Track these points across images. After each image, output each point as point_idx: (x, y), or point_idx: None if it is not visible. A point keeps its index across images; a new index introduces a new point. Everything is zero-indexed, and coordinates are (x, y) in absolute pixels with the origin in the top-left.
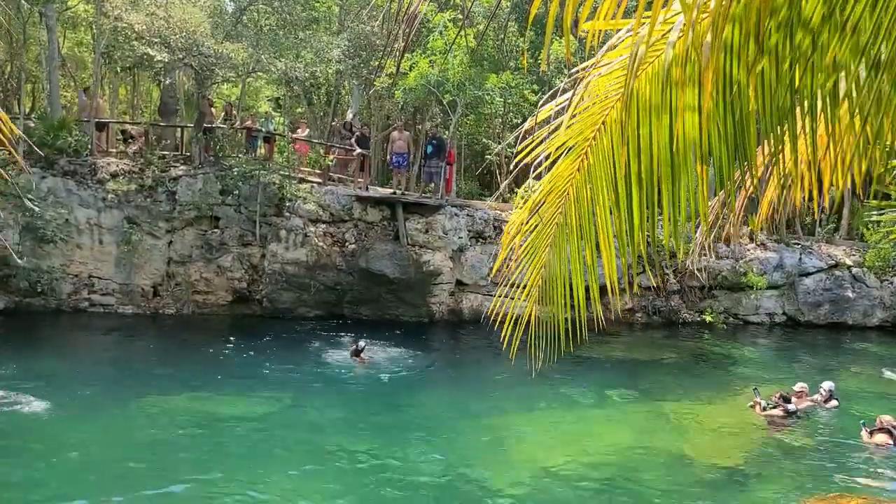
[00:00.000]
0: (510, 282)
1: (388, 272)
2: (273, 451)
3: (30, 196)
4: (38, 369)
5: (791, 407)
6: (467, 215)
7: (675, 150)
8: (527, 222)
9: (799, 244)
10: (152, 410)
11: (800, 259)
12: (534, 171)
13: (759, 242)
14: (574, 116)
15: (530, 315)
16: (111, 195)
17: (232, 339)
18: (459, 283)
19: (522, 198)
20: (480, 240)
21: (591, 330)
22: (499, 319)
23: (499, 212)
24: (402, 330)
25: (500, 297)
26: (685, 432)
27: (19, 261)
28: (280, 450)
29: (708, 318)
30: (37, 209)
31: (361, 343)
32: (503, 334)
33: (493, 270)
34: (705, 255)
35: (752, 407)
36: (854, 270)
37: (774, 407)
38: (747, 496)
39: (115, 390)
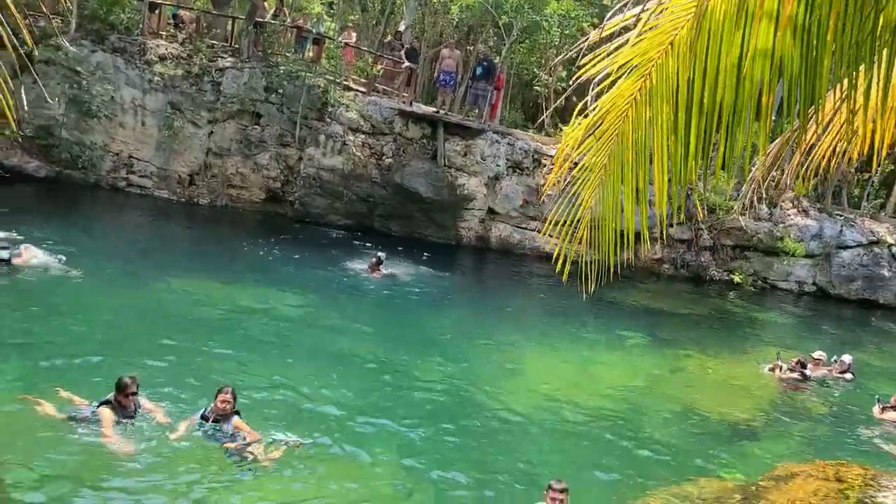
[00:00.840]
0: (564, 199)
1: (421, 190)
2: (291, 344)
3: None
4: (73, 238)
5: (808, 372)
6: (508, 144)
7: (741, 75)
8: (582, 142)
9: (842, 216)
10: (178, 291)
11: (840, 231)
12: (593, 88)
13: (801, 209)
14: (640, 34)
15: (583, 235)
16: (157, 78)
17: (261, 236)
18: (491, 211)
19: (577, 118)
20: (518, 170)
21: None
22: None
23: (540, 144)
24: (429, 250)
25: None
26: (697, 383)
27: None
28: (297, 344)
29: (736, 279)
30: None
31: (382, 254)
32: (557, 250)
33: (548, 184)
34: (748, 210)
35: (773, 370)
36: (894, 249)
37: (792, 371)
38: (747, 451)
39: (144, 268)
